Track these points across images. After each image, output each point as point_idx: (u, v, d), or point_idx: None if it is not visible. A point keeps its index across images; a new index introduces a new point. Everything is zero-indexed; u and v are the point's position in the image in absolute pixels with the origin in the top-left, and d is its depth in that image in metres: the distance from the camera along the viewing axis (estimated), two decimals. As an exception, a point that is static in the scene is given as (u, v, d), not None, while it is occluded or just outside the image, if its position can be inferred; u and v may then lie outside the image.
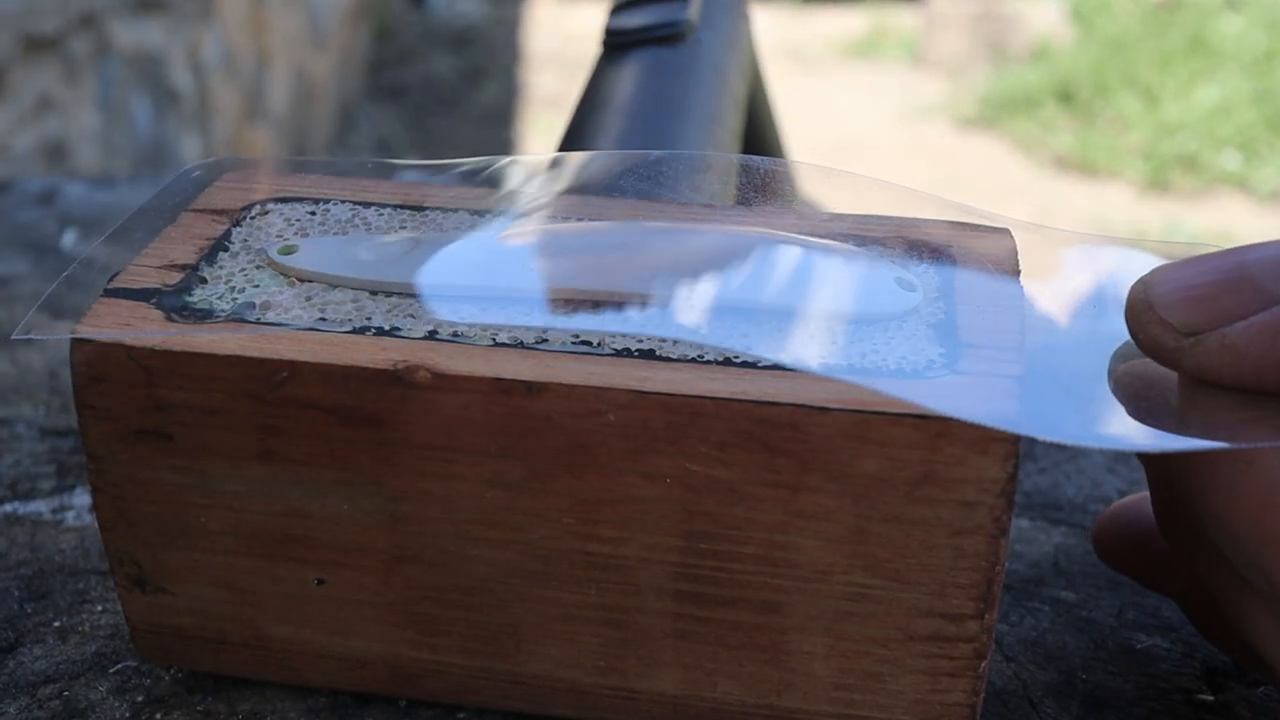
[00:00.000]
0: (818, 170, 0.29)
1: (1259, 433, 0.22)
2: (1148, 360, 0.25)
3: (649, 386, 0.24)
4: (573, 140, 0.38)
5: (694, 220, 0.29)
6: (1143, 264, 0.27)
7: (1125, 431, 0.23)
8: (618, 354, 0.24)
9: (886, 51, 3.82)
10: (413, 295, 0.26)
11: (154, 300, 0.26)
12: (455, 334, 0.25)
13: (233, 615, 0.28)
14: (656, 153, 0.30)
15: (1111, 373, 0.25)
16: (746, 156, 0.30)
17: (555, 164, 0.31)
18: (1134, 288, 0.25)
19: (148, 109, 1.74)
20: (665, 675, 0.27)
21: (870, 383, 0.23)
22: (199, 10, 1.97)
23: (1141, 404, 0.24)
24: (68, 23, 1.41)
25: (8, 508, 0.36)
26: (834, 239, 0.28)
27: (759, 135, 0.55)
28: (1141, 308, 0.24)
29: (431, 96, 3.43)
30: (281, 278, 0.27)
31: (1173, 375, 0.25)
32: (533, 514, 0.25)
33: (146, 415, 0.25)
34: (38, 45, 1.34)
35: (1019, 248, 0.28)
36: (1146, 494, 0.30)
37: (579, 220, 0.29)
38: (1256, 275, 0.23)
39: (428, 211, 0.29)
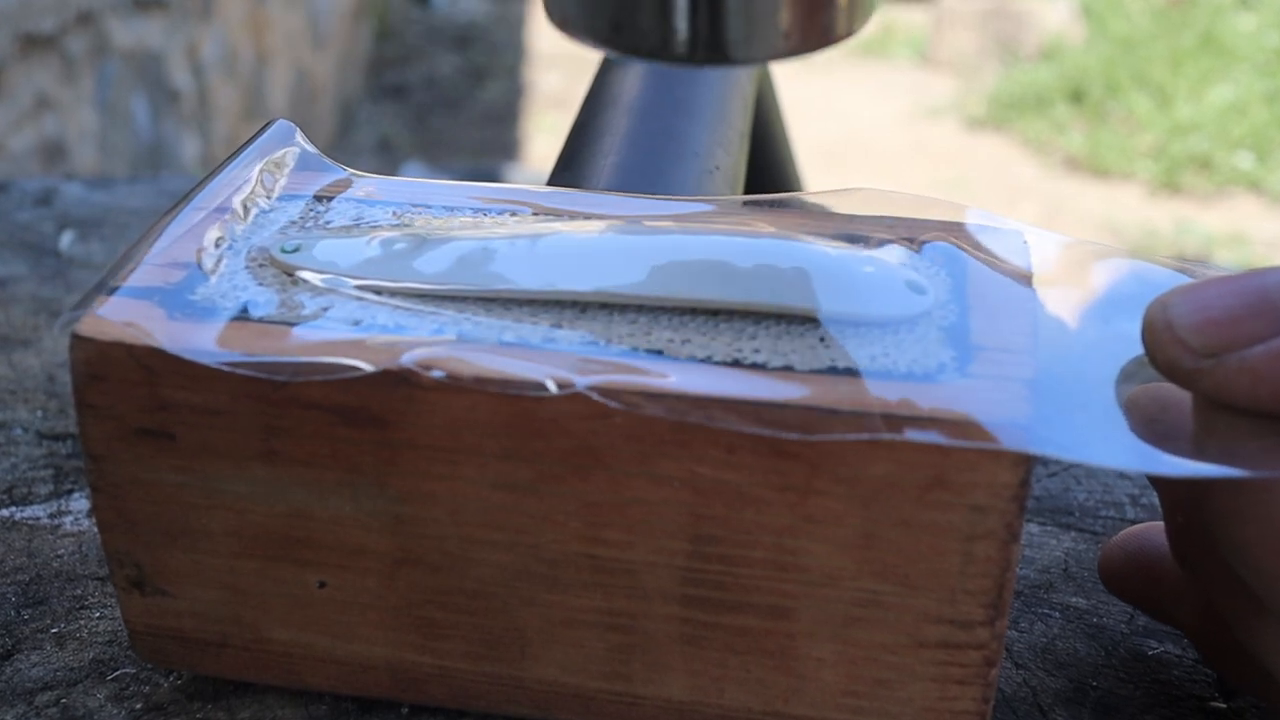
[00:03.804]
0: (830, 195, 0.29)
1: (1278, 459, 0.22)
2: (1162, 383, 0.24)
3: (657, 389, 0.23)
4: (579, 140, 0.37)
5: (702, 222, 0.28)
6: (1153, 271, 0.27)
7: (1143, 455, 0.23)
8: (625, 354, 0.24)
9: (895, 50, 3.82)
10: (417, 294, 0.26)
11: (156, 298, 0.26)
12: (460, 334, 0.25)
13: (234, 618, 0.27)
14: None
15: (1120, 390, 0.25)
16: (754, 196, 0.30)
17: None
18: (1152, 307, 0.24)
19: (146, 108, 1.74)
20: (672, 681, 0.26)
21: (881, 386, 0.23)
22: (199, 9, 1.97)
23: (1157, 427, 0.24)
24: (66, 21, 1.41)
25: (4, 512, 0.35)
26: (845, 242, 0.28)
27: (766, 134, 0.55)
28: (1160, 327, 0.24)
29: (434, 96, 3.43)
30: (285, 276, 0.27)
31: (1188, 398, 0.24)
32: (538, 517, 0.25)
33: (148, 415, 0.25)
34: (36, 44, 1.34)
35: (1030, 252, 0.28)
36: (1152, 523, 0.30)
37: (582, 220, 0.29)
38: (1277, 298, 0.23)
39: (432, 210, 0.29)
